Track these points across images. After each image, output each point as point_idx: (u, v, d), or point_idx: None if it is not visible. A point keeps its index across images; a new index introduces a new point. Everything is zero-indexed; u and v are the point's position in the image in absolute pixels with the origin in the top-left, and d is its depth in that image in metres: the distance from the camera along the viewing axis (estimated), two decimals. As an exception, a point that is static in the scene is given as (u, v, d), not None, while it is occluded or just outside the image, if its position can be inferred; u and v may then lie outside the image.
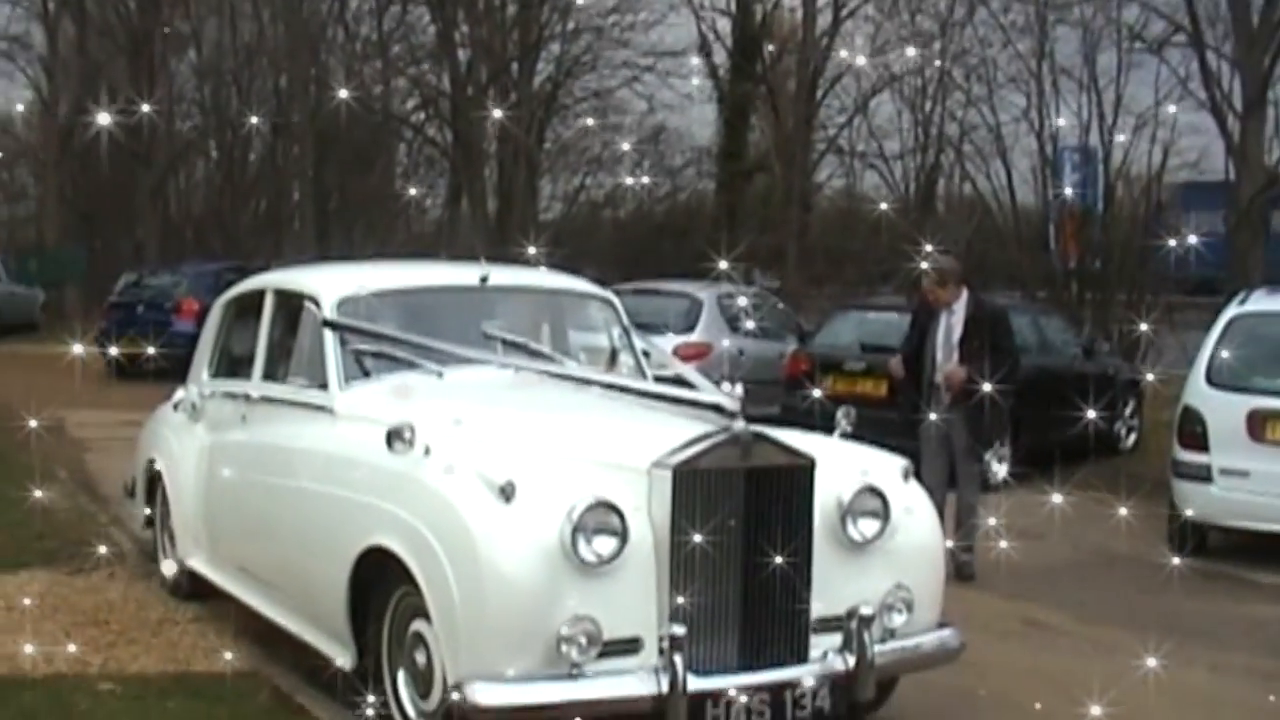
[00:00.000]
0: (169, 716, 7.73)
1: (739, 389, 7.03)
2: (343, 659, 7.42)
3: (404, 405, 7.54)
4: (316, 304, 8.64)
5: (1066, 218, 29.90)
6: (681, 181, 43.40)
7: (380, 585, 7.08)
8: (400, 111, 42.64)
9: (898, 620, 7.15)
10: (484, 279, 9.08)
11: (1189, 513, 12.40)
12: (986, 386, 10.59)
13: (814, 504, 6.90)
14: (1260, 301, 13.39)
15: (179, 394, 10.44)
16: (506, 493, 6.37)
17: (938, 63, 35.81)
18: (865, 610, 6.83)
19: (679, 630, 6.34)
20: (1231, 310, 13.25)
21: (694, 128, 42.89)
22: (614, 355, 9.50)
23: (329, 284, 8.90)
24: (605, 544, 6.36)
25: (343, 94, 30.96)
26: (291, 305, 9.20)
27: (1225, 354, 12.69)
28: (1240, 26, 28.73)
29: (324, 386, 8.32)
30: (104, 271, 37.01)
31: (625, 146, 39.88)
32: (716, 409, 7.04)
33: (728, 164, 39.71)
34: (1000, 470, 14.64)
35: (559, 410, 8.02)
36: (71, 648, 8.76)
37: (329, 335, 8.40)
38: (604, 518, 6.38)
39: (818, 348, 18.25)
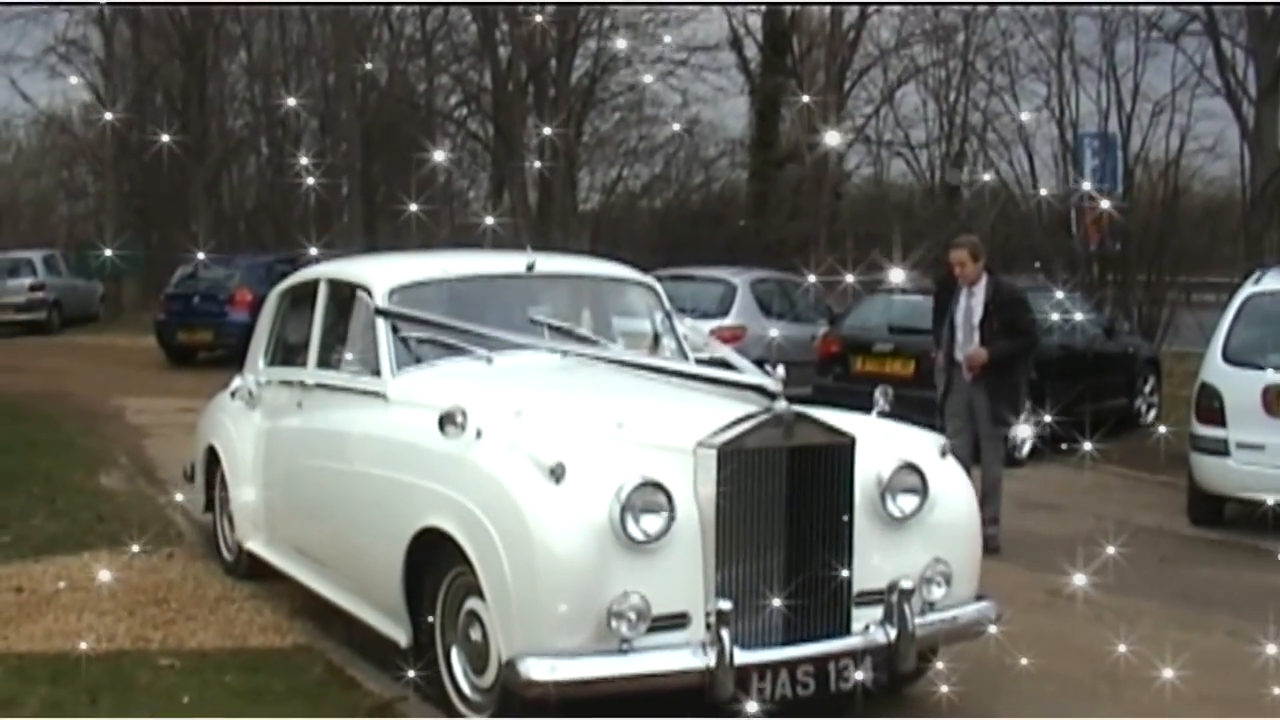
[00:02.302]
0: (226, 689, 7.75)
1: (780, 370, 7.03)
2: (398, 636, 7.53)
3: (455, 390, 7.68)
4: (369, 293, 8.74)
5: (1087, 204, 30.53)
6: (715, 172, 44.05)
7: (434, 565, 7.19)
8: (444, 108, 43.52)
9: (937, 593, 7.22)
10: (530, 266, 9.16)
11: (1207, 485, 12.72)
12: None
13: (855, 481, 6.97)
14: (1275, 280, 13.42)
15: (236, 381, 10.52)
16: (557, 474, 6.49)
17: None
18: (905, 584, 6.90)
19: (725, 605, 6.42)
20: (1247, 289, 13.39)
21: (727, 120, 43.53)
22: (656, 339, 9.60)
23: (380, 274, 8.98)
24: (653, 522, 6.47)
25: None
26: (344, 295, 9.30)
27: (1241, 332, 12.92)
28: (1254, 15, 29.42)
29: (377, 373, 8.42)
30: (161, 265, 37.34)
31: (675, 127, 40.66)
32: (758, 390, 7.20)
33: (759, 154, 40.35)
34: (1025, 441, 15.37)
35: (606, 393, 8.03)
36: (132, 624, 8.90)
37: (381, 323, 8.52)
38: (651, 496, 6.48)
39: (847, 330, 18.48)
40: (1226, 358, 12.89)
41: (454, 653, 7.26)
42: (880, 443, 7.30)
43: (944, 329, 11.98)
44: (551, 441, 6.80)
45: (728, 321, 19.46)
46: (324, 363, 9.38)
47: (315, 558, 8.99)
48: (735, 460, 6.67)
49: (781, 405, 6.85)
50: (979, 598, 7.53)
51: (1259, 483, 12.23)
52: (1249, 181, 30.54)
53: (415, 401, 7.93)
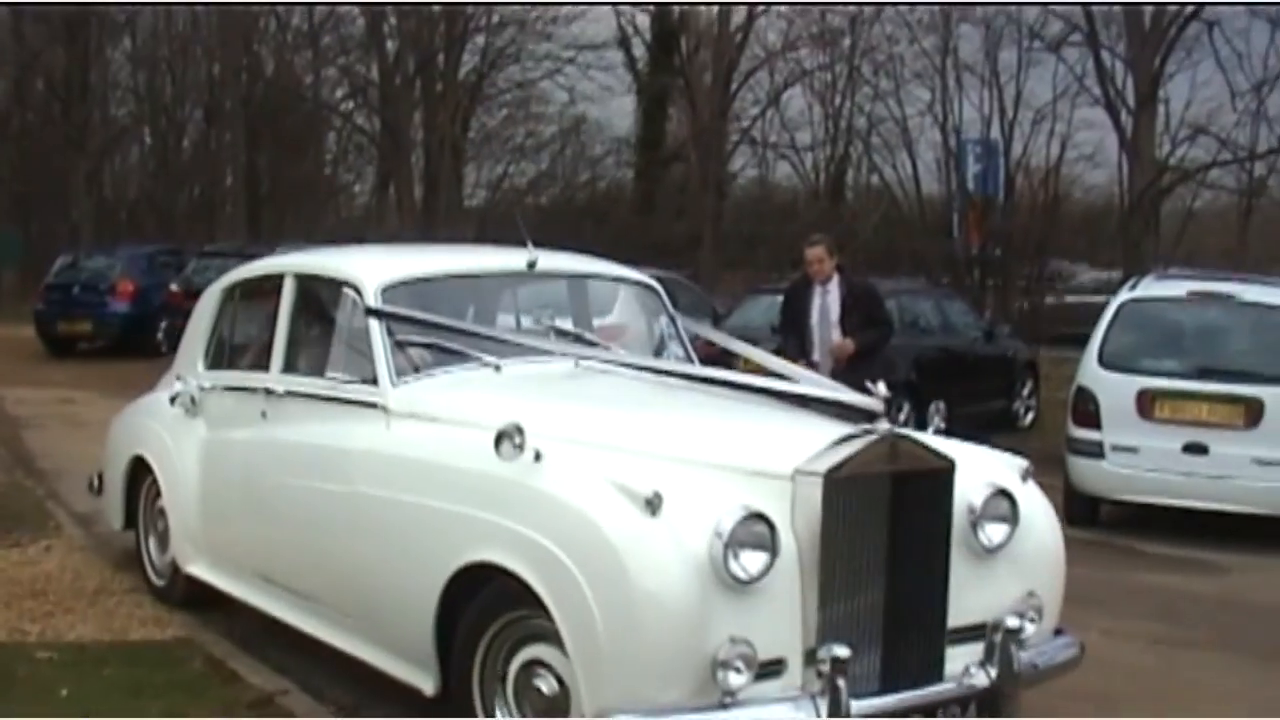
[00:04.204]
0: (106, 683, 7.52)
1: (882, 387, 6.50)
2: (422, 683, 6.71)
3: (477, 401, 7.15)
4: (357, 290, 7.86)
5: (969, 207, 31.00)
6: (601, 170, 44.34)
7: (479, 605, 6.40)
8: (330, 100, 43.39)
9: (1029, 629, 6.56)
10: (532, 264, 8.40)
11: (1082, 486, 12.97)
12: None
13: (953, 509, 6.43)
14: (1149, 288, 13.71)
15: (177, 386, 9.38)
16: (653, 505, 5.71)
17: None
18: (1011, 621, 6.38)
19: (842, 651, 5.72)
20: (1122, 295, 13.65)
21: (613, 118, 43.70)
22: (662, 344, 8.93)
23: (370, 269, 8.08)
24: (755, 559, 5.73)
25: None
26: (321, 292, 8.54)
27: (1117, 337, 13.20)
28: (1133, 27, 29.80)
29: (371, 381, 7.55)
30: (40, 254, 37.13)
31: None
32: (843, 407, 6.75)
33: (645, 153, 40.63)
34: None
35: (654, 407, 7.39)
36: (9, 617, 8.66)
37: (375, 325, 7.65)
38: (754, 530, 5.75)
39: (731, 329, 17.68)
40: (1102, 362, 13.16)
41: (497, 704, 6.45)
42: (966, 465, 6.57)
43: (792, 333, 12.24)
44: (634, 467, 6.07)
45: (609, 320, 19.27)
46: (291, 368, 8.45)
47: (293, 588, 8.00)
48: (841, 488, 5.96)
49: (884, 425, 6.26)
50: (1058, 631, 6.95)
51: (1133, 485, 12.70)
52: (1127, 189, 30.96)
53: (429, 415, 7.24)
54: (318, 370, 8.18)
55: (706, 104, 37.29)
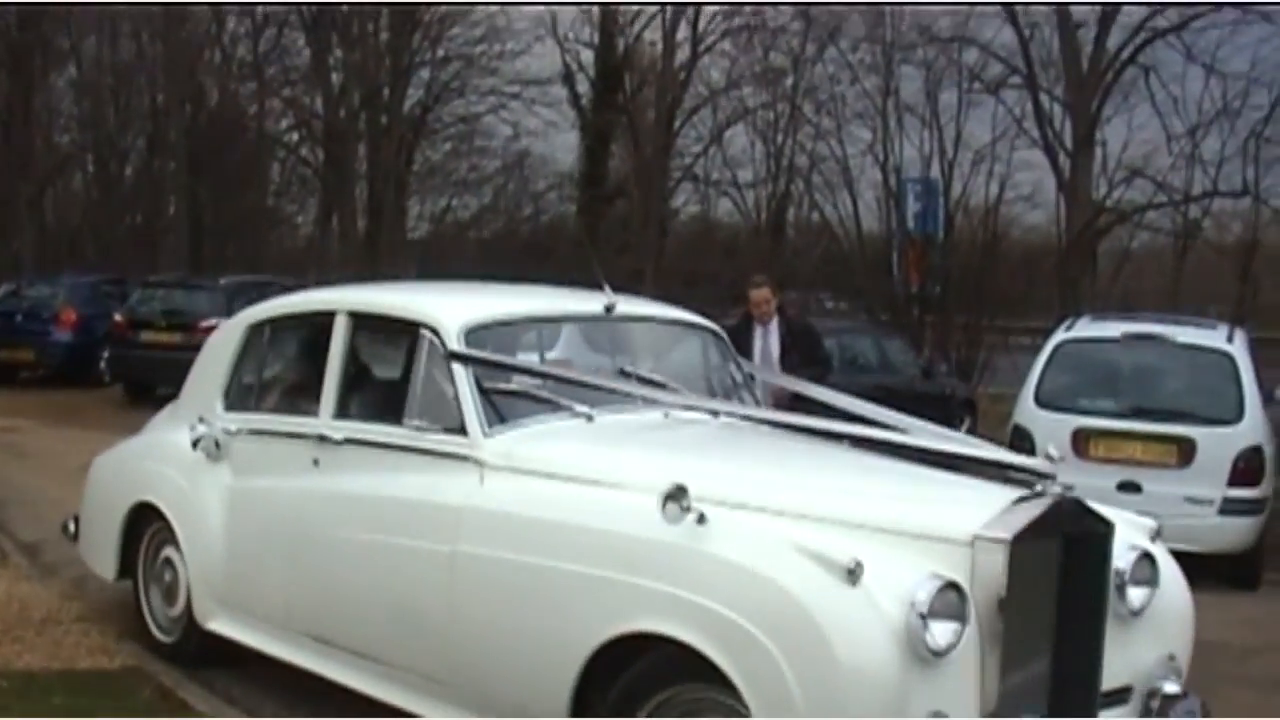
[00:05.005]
0: (55, 711, 7.46)
1: (1053, 450, 6.45)
2: None
3: (586, 455, 6.86)
4: (434, 332, 7.43)
5: (909, 245, 31.30)
6: (544, 205, 44.49)
7: (635, 676, 6.01)
8: (274, 132, 43.35)
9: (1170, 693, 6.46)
10: (610, 308, 8.11)
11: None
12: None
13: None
14: (1085, 328, 14.12)
15: (200, 429, 8.72)
16: (854, 574, 5.44)
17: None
18: (1169, 688, 6.34)
19: None
20: (1059, 336, 13.96)
21: (557, 153, 43.86)
22: (732, 391, 8.62)
23: (449, 310, 7.65)
24: (947, 629, 5.47)
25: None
26: (386, 332, 8.16)
27: (1052, 376, 13.46)
28: (1071, 71, 30.43)
29: (456, 431, 7.15)
30: None
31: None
32: (1012, 469, 6.48)
33: (588, 189, 40.74)
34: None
35: (792, 464, 7.06)
36: None
37: (460, 370, 7.25)
38: (948, 600, 5.50)
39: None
40: (1038, 401, 13.37)
41: None
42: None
43: None
44: (814, 532, 5.79)
45: (553, 353, 19.29)
46: (345, 413, 7.98)
47: (357, 650, 7.49)
48: (1023, 553, 5.69)
49: (1057, 488, 6.10)
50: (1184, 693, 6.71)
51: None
52: (1064, 230, 31.37)
53: (534, 469, 6.86)
54: (381, 416, 7.72)
55: (649, 141, 37.49)
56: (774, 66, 36.98)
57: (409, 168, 41.09)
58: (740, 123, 38.65)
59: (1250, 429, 12.72)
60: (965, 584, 5.58)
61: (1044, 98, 31.26)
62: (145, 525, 9.15)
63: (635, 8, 38.31)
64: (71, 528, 9.92)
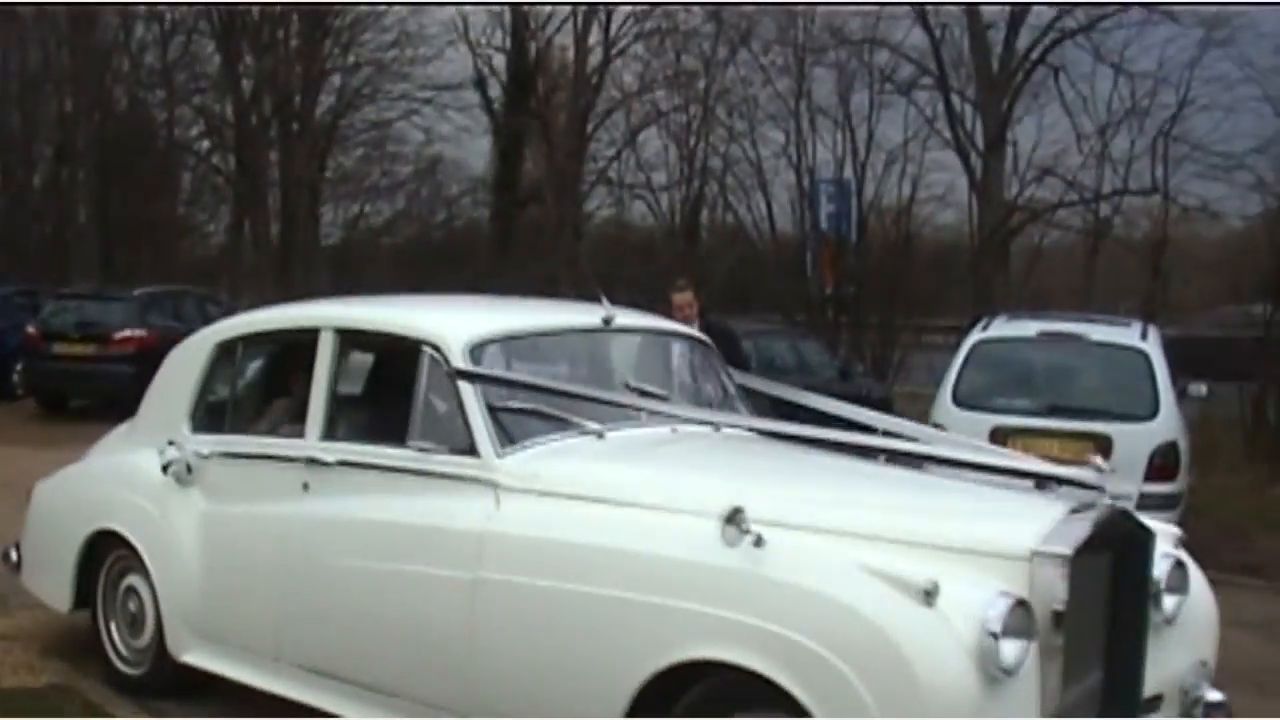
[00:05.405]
0: None
1: (1101, 460, 6.36)
2: None
3: (611, 474, 6.68)
4: (435, 349, 7.19)
5: (824, 246, 31.47)
6: (458, 210, 44.30)
7: (691, 704, 5.84)
8: (185, 139, 42.95)
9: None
10: (608, 320, 7.98)
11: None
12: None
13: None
14: (1001, 327, 14.15)
15: (170, 453, 8.37)
16: (931, 595, 5.38)
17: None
18: (1212, 695, 6.35)
19: None
20: (975, 336, 14.03)
21: (470, 159, 43.78)
22: (725, 403, 8.49)
23: (452, 325, 7.43)
24: (1016, 647, 5.41)
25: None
26: (380, 349, 8.16)
27: (969, 376, 13.50)
28: (982, 72, 30.85)
29: (465, 451, 6.93)
30: None
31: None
32: (1053, 480, 6.53)
33: (502, 194, 40.63)
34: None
35: (830, 481, 6.94)
36: None
37: (468, 389, 7.02)
38: (1018, 617, 5.44)
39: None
40: (956, 400, 13.41)
41: None
42: None
43: None
44: (882, 552, 5.71)
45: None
46: (334, 434, 7.72)
47: (361, 681, 7.23)
48: (1082, 567, 5.65)
49: (1107, 500, 6.12)
50: None
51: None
52: (976, 229, 31.71)
53: (556, 491, 6.67)
54: (377, 437, 7.46)
55: (563, 145, 37.43)
56: (686, 69, 37.04)
57: (322, 174, 40.84)
58: (653, 126, 38.66)
59: (1165, 425, 12.83)
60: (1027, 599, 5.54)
61: (955, 98, 31.73)
62: (105, 553, 8.79)
63: (548, 8, 38.24)
64: (14, 556, 9.43)
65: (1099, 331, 13.76)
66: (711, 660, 5.69)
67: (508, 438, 6.95)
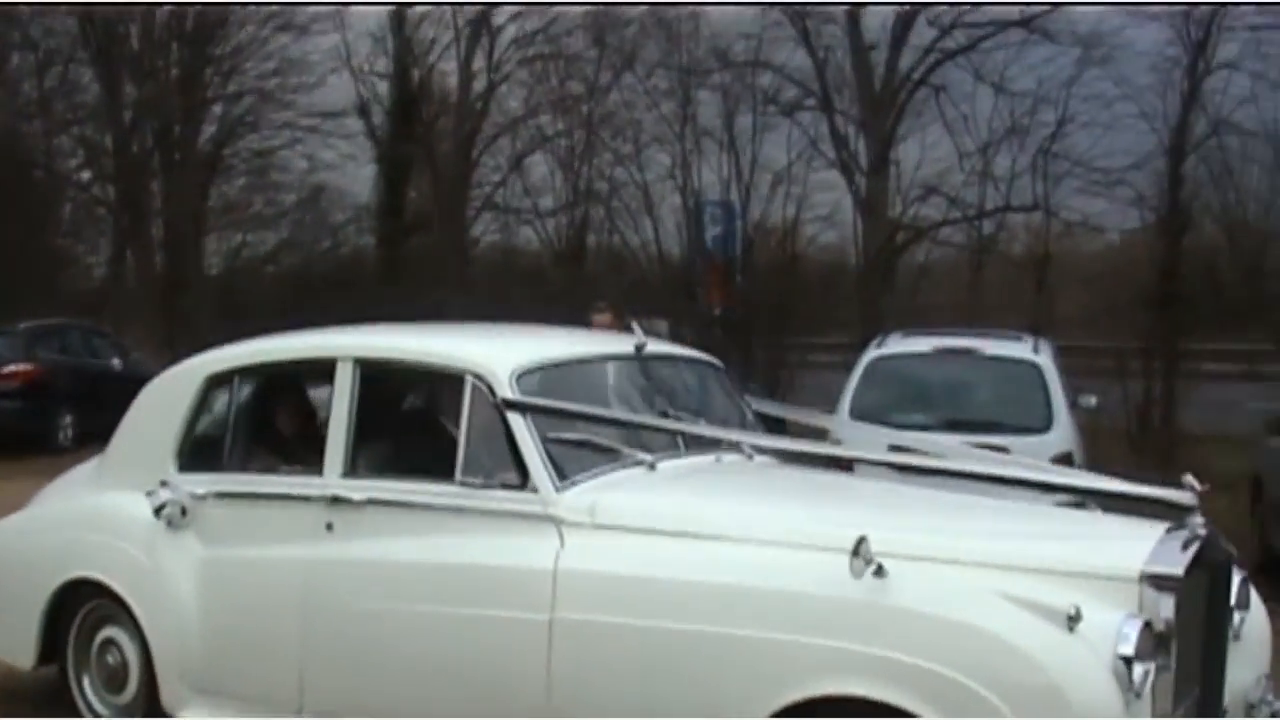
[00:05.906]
0: None
1: (1193, 480, 6.14)
2: None
3: (688, 507, 6.53)
4: (478, 378, 6.94)
5: (711, 268, 31.55)
6: (343, 238, 43.96)
7: None
8: (64, 169, 42.46)
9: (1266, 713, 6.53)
10: (640, 348, 7.87)
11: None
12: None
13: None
14: (897, 344, 14.46)
15: (163, 495, 7.92)
16: (1074, 620, 5.41)
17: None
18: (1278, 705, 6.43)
19: None
20: (871, 352, 14.28)
21: (355, 186, 43.31)
22: (741, 425, 8.34)
23: (495, 354, 7.18)
24: (1143, 669, 5.45)
25: None
26: (411, 381, 7.95)
27: (866, 392, 13.70)
28: (865, 93, 31.05)
29: (519, 486, 6.71)
30: None
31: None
32: (1167, 504, 6.31)
33: (388, 221, 40.48)
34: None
35: (920, 509, 6.89)
36: None
37: (518, 421, 6.77)
38: (1148, 640, 5.49)
39: None
40: (853, 416, 13.48)
41: None
42: None
43: None
44: (1010, 578, 5.68)
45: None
46: (357, 471, 7.40)
47: None
48: (1189, 587, 5.71)
49: (1200, 520, 6.05)
50: None
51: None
52: (862, 248, 31.91)
53: (627, 525, 6.49)
54: (412, 473, 7.19)
55: (448, 170, 37.43)
56: (571, 94, 37.07)
57: (205, 203, 40.42)
58: (539, 150, 38.67)
59: (1060, 436, 13.06)
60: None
61: (839, 119, 31.78)
62: (76, 605, 8.36)
63: (430, 34, 38.16)
64: None
65: (993, 346, 14.01)
66: (835, 696, 5.60)
67: (560, 471, 6.75)
